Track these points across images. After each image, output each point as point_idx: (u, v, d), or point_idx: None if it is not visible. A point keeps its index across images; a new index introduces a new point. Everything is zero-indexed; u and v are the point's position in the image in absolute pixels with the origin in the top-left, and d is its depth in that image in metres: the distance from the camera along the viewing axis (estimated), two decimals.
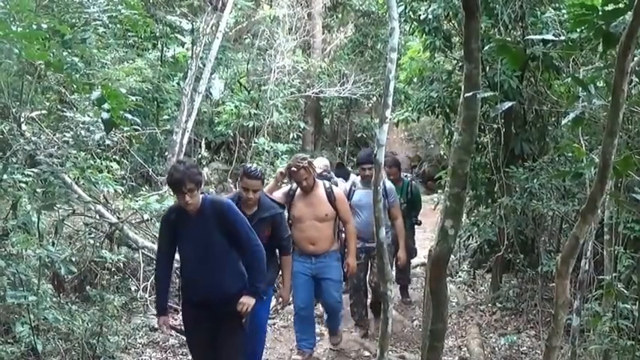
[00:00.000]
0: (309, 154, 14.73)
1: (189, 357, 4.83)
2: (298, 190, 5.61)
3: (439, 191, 10.11)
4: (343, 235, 5.86)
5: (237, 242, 4.16)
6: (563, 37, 4.89)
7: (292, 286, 5.56)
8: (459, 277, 8.83)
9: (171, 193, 4.50)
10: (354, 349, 6.26)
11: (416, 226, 7.76)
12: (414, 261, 8.54)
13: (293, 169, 5.44)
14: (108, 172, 6.31)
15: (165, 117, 11.97)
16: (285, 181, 5.92)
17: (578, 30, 3.11)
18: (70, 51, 5.40)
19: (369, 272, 6.43)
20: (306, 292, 5.68)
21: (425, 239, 9.56)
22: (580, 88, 3.15)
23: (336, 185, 6.31)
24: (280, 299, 5.47)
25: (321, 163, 7.05)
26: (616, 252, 5.04)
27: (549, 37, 5.35)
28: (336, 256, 5.75)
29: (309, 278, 5.64)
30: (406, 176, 7.44)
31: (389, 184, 6.32)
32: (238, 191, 5.09)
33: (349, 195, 6.27)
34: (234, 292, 4.15)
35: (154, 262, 5.45)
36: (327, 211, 5.55)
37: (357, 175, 6.59)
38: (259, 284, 4.25)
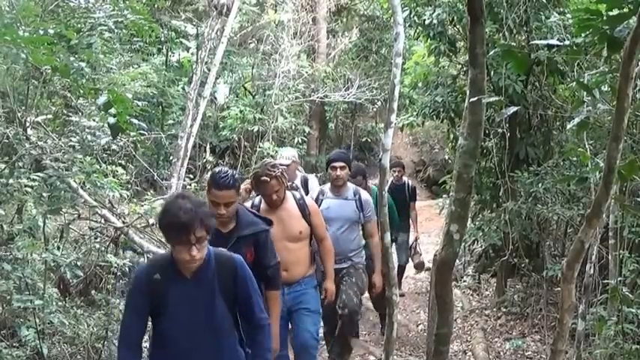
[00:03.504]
0: (314, 159, 14.90)
1: None
2: (262, 204, 4.51)
3: (444, 196, 10.11)
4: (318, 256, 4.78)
5: (241, 310, 3.05)
6: (567, 42, 4.89)
7: None
8: (464, 281, 8.84)
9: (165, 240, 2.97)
10: (358, 354, 6.26)
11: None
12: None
13: (263, 178, 4.34)
14: (113, 177, 6.31)
15: (171, 121, 12.01)
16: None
17: (583, 35, 3.11)
18: (76, 56, 5.41)
19: (338, 299, 5.15)
20: (279, 329, 4.29)
21: (430, 244, 9.58)
22: (585, 93, 3.16)
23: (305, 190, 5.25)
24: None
25: (289, 153, 5.86)
26: (621, 256, 5.04)
27: (554, 41, 5.34)
28: (312, 283, 4.67)
29: (282, 312, 4.36)
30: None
31: (365, 195, 5.43)
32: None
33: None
34: None
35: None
36: (300, 228, 4.51)
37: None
38: None
